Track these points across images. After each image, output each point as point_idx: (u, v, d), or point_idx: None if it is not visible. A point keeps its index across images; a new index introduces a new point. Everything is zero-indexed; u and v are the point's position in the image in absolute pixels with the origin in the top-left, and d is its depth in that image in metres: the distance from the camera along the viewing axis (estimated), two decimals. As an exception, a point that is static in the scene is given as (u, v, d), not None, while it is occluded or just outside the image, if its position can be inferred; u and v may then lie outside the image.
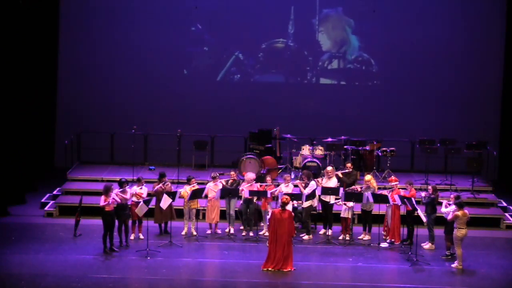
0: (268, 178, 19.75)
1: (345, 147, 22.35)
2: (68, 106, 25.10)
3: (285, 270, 16.85)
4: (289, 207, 18.79)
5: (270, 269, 16.86)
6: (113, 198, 17.79)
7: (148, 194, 18.88)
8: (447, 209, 17.53)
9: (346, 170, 20.24)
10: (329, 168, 19.86)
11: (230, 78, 25.49)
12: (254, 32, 25.20)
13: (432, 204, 18.44)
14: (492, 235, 20.00)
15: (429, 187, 18.80)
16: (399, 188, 19.01)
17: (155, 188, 19.04)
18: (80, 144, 24.18)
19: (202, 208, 19.93)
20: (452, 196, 18.03)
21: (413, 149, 23.78)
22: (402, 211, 18.72)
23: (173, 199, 18.52)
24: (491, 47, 24.83)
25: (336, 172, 20.08)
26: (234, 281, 16.39)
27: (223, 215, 19.60)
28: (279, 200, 18.61)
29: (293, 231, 17.23)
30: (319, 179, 19.67)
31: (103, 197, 17.76)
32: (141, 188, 18.86)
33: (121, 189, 18.21)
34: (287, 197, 17.41)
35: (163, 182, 19.16)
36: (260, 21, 25.16)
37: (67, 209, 20.77)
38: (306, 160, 21.79)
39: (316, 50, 25.32)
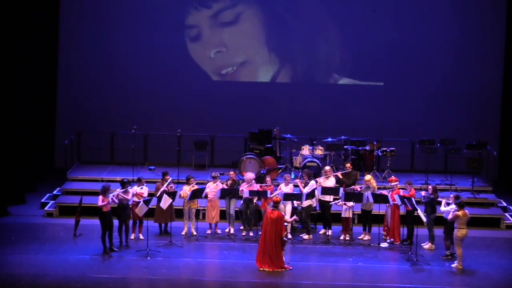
0: (268, 178, 19.75)
1: (345, 147, 22.35)
2: (68, 106, 25.06)
3: (279, 270, 16.81)
4: (288, 208, 18.81)
5: (265, 269, 16.83)
6: (112, 199, 17.81)
7: (152, 195, 18.86)
8: (446, 208, 17.55)
9: (346, 171, 20.27)
10: (327, 167, 19.89)
11: (230, 78, 25.45)
12: (254, 32, 25.19)
13: (432, 204, 18.43)
14: (492, 235, 19.98)
15: (429, 187, 18.81)
16: (399, 188, 19.01)
17: (160, 191, 18.85)
18: (80, 144, 24.18)
19: (202, 208, 19.93)
20: (451, 196, 18.04)
21: (413, 149, 23.78)
22: (402, 211, 18.72)
23: (173, 199, 18.53)
24: (491, 47, 24.78)
25: (336, 173, 20.09)
26: (234, 281, 16.38)
27: (223, 215, 19.59)
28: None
29: (282, 232, 16.88)
30: (318, 179, 19.68)
31: (101, 197, 17.75)
32: (141, 188, 18.83)
33: (123, 189, 18.21)
34: (279, 197, 17.46)
35: (166, 182, 19.11)
36: (260, 21, 25.16)
37: (67, 209, 20.77)
38: (306, 160, 21.79)
39: (316, 50, 25.28)
